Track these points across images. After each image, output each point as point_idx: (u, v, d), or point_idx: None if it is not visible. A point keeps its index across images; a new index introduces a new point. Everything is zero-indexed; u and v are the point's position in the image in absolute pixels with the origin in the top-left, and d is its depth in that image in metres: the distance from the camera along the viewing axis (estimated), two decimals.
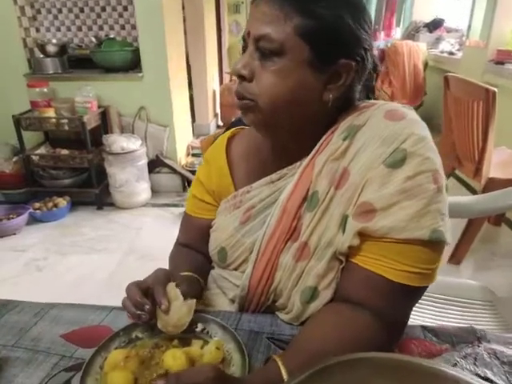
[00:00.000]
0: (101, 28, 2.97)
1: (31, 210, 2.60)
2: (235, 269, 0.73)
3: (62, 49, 2.79)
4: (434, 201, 0.56)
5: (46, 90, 2.66)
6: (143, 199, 2.84)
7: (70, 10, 2.92)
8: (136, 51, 2.72)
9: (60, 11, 2.92)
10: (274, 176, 0.69)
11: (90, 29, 2.97)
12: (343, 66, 0.60)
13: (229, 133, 0.80)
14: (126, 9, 2.89)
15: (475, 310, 1.03)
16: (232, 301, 0.75)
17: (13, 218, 2.52)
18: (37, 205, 2.67)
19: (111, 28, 2.96)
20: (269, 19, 0.58)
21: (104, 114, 2.82)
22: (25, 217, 2.55)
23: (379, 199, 0.57)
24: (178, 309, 0.61)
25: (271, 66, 0.59)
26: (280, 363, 0.52)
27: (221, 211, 0.76)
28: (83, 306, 0.74)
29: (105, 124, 2.84)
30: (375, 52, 0.65)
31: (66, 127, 2.63)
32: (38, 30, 2.94)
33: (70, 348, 0.63)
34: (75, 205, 2.81)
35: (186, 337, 0.63)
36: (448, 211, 0.59)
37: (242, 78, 0.61)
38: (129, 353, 0.58)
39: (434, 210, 0.56)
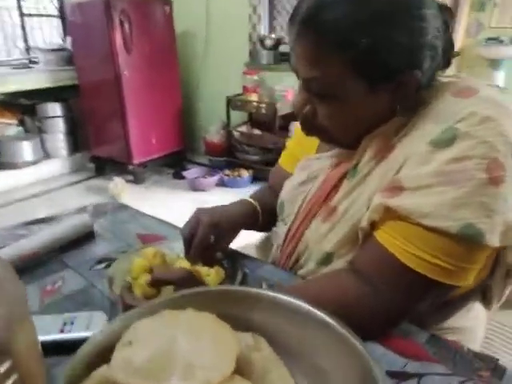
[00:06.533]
0: None
1: (221, 175, 3.13)
2: (286, 224, 0.80)
3: (277, 43, 3.18)
4: (481, 193, 0.49)
5: (256, 77, 3.12)
6: None
7: None
8: None
9: None
10: (340, 150, 0.70)
11: None
12: (407, 78, 0.55)
13: None
14: None
15: None
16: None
17: (207, 178, 3.10)
18: (227, 172, 3.19)
19: None
20: (311, 61, 0.55)
21: None
22: (215, 179, 3.10)
23: (410, 178, 0.53)
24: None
25: (330, 104, 0.58)
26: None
27: (295, 170, 0.83)
28: (165, 223, 0.93)
29: None
30: None
31: (264, 111, 3.03)
32: (274, 29, 3.40)
33: (136, 242, 0.84)
34: (256, 179, 3.22)
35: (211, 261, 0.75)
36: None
37: (303, 115, 0.62)
38: (158, 251, 0.73)
39: (476, 203, 0.49)
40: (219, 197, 3.01)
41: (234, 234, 0.79)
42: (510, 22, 4.98)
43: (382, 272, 0.55)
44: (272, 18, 3.37)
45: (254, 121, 3.39)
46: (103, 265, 0.75)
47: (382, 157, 0.60)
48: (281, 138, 3.00)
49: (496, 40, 5.15)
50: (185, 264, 0.69)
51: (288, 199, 0.79)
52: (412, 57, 0.53)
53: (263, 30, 3.34)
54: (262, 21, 3.35)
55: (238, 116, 3.33)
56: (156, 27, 3.09)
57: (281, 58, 3.22)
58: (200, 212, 0.75)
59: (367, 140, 0.62)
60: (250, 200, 0.85)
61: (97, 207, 1.02)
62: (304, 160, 0.79)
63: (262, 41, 3.19)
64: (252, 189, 3.13)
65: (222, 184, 3.15)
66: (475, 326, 0.75)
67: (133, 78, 2.99)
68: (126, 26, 2.84)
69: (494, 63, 5.15)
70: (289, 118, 3.00)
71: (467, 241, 0.50)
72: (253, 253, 0.94)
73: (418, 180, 0.52)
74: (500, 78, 5.23)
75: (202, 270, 0.70)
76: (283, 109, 2.94)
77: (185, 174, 3.17)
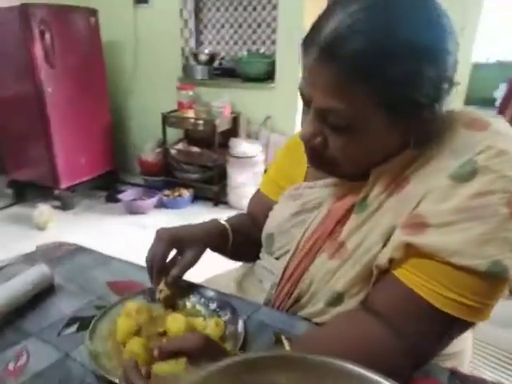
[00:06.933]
0: (254, 43, 3.20)
1: (160, 196, 2.97)
2: (277, 258, 0.74)
3: (212, 58, 3.14)
4: (504, 227, 0.48)
5: (191, 93, 3.02)
6: None
7: (231, 26, 3.25)
8: (272, 63, 2.89)
9: (223, 26, 3.27)
10: (337, 180, 0.67)
11: (244, 43, 3.24)
12: (427, 112, 0.53)
13: None
14: None
15: None
16: (263, 291, 0.76)
17: (145, 200, 2.93)
18: (166, 192, 3.03)
19: (263, 43, 3.18)
20: (332, 91, 0.51)
21: (235, 120, 3.06)
22: (154, 200, 2.94)
23: (435, 214, 0.51)
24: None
25: (344, 136, 0.55)
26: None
27: (281, 199, 0.78)
28: (136, 266, 0.82)
29: (235, 129, 3.07)
30: None
31: (201, 127, 2.95)
32: (202, 43, 3.35)
33: (108, 293, 0.72)
34: (196, 198, 3.11)
35: (198, 309, 0.67)
36: None
37: (313, 146, 0.58)
38: (141, 306, 0.63)
39: (501, 239, 0.48)
40: (159, 219, 2.86)
41: (198, 250, 0.72)
42: None
43: (407, 313, 0.52)
44: (199, 32, 3.33)
45: (190, 138, 3.29)
46: (75, 327, 0.63)
47: (393, 190, 0.57)
48: (221, 155, 2.95)
49: None
50: (178, 318, 0.60)
51: (279, 231, 0.73)
52: (435, 91, 0.51)
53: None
54: (193, 35, 3.29)
55: (173, 133, 3.20)
56: (81, 39, 2.86)
57: (216, 74, 3.18)
58: (161, 230, 0.71)
59: (377, 172, 0.59)
60: (221, 221, 0.80)
61: (46, 252, 0.87)
62: (293, 189, 0.75)
63: (195, 55, 3.13)
64: (194, 208, 3.02)
65: (161, 205, 2.99)
66: (466, 348, 0.75)
67: (57, 94, 2.72)
68: (48, 37, 2.59)
69: None
70: (228, 135, 2.97)
71: (493, 278, 0.49)
72: (232, 287, 0.86)
73: (442, 216, 0.50)
74: None
75: (198, 323, 0.62)
76: (222, 125, 2.90)
77: (120, 196, 2.95)
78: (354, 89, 0.50)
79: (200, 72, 3.11)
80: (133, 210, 2.90)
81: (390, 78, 0.49)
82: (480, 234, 0.48)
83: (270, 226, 0.76)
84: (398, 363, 0.52)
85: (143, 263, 0.83)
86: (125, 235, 2.62)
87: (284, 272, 0.70)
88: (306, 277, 0.66)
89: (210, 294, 0.71)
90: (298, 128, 2.96)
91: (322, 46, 0.50)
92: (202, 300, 0.69)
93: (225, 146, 2.95)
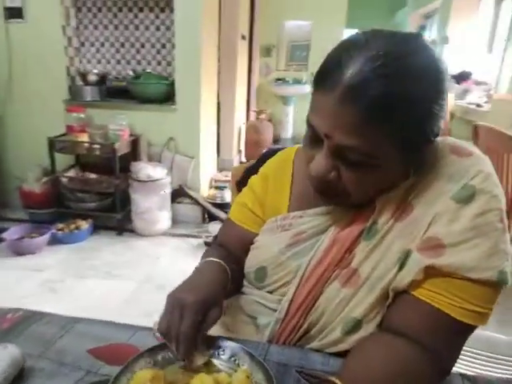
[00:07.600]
0: (139, 63, 3.09)
1: (53, 231, 2.63)
2: (271, 292, 0.72)
3: (102, 79, 2.93)
4: (502, 240, 0.56)
5: (82, 115, 2.76)
6: (163, 228, 2.85)
7: (112, 45, 3.08)
8: (171, 85, 2.83)
9: (102, 45, 3.08)
10: (331, 209, 0.68)
11: (128, 63, 3.11)
12: (430, 146, 0.59)
13: (295, 148, 0.80)
14: (163, 46, 3.02)
15: None
16: (261, 328, 0.73)
17: (35, 237, 2.56)
18: (60, 226, 2.70)
19: (148, 63, 3.08)
20: (353, 130, 0.53)
21: (135, 143, 2.89)
22: (46, 237, 2.58)
23: (448, 235, 0.56)
24: None
25: (358, 170, 0.57)
26: None
27: (266, 230, 0.75)
28: (109, 324, 0.72)
29: (134, 152, 2.91)
30: None
31: (98, 152, 2.72)
32: (80, 61, 3.10)
33: (96, 364, 0.62)
34: (97, 228, 2.84)
35: (213, 363, 0.62)
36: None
37: (327, 181, 0.60)
38: (156, 373, 0.56)
39: (501, 250, 0.56)
40: (55, 257, 2.53)
41: (220, 310, 0.65)
42: (290, 67, 5.97)
43: (437, 332, 0.57)
44: (78, 50, 3.09)
45: (83, 164, 3.00)
46: None
47: (399, 216, 0.61)
48: (122, 180, 2.76)
49: (283, 80, 6.15)
50: (205, 378, 0.55)
51: (273, 264, 0.71)
52: (438, 127, 0.57)
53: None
54: (79, 54, 3.03)
55: (60, 159, 2.86)
56: None
57: (107, 95, 2.98)
58: (177, 295, 0.61)
59: (382, 200, 0.63)
60: (218, 261, 0.71)
61: None
62: (280, 219, 0.73)
63: (83, 75, 2.89)
64: (94, 240, 2.75)
65: (55, 241, 2.64)
66: None
67: None
68: None
69: (285, 99, 6.11)
70: (127, 158, 2.79)
71: (498, 285, 0.56)
72: (217, 328, 0.81)
73: (455, 236, 0.56)
74: (290, 111, 6.19)
75: (223, 379, 0.57)
76: (121, 148, 2.72)
77: (4, 235, 2.53)
78: (375, 128, 0.53)
79: (90, 93, 2.88)
80: (20, 251, 2.51)
81: (408, 118, 0.53)
82: (488, 249, 0.55)
83: (259, 260, 0.73)
84: (430, 377, 0.56)
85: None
86: (16, 281, 2.25)
87: (290, 305, 0.69)
88: (316, 307, 0.66)
89: (215, 341, 0.65)
90: (202, 149, 2.95)
91: (345, 87, 0.52)
92: (211, 351, 0.64)
93: (124, 170, 2.77)
